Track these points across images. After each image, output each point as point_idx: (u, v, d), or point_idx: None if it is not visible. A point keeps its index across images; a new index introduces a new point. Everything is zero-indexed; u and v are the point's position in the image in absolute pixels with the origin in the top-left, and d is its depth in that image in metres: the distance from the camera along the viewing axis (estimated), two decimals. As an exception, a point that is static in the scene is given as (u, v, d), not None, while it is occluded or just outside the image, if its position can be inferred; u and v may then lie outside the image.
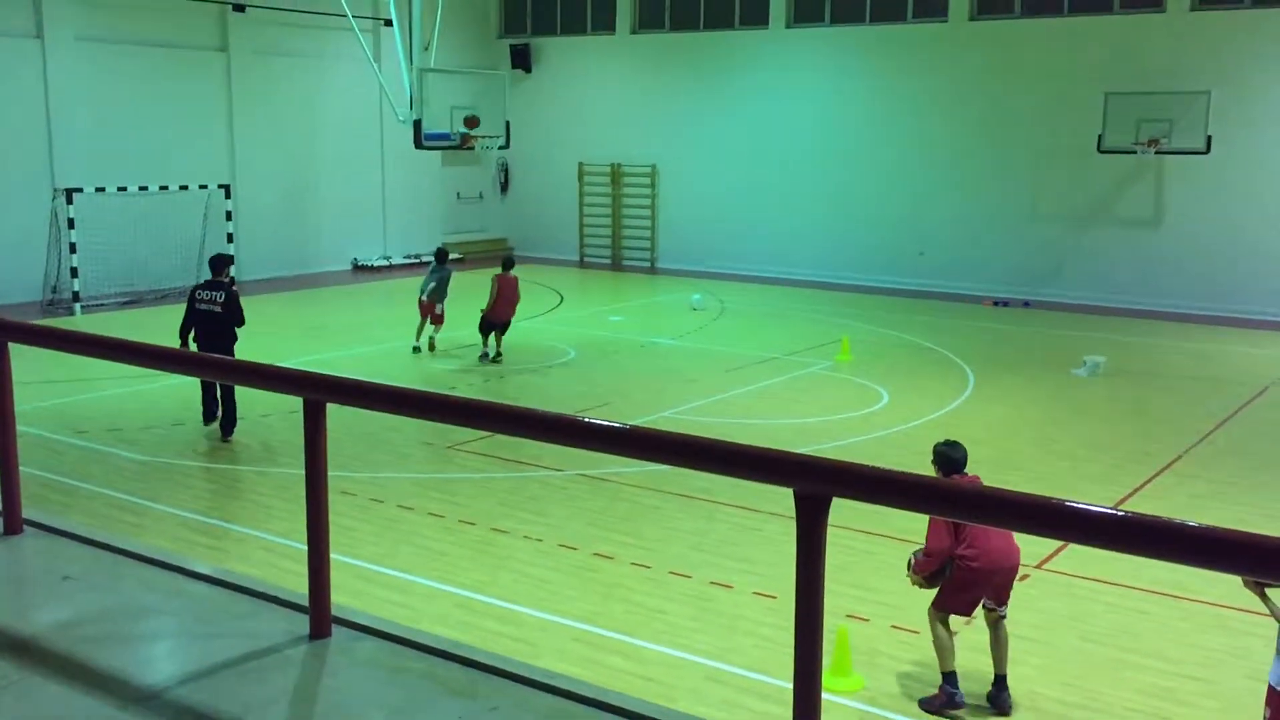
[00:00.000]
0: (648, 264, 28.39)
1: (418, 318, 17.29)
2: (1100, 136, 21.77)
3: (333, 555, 3.97)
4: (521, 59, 29.34)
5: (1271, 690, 5.49)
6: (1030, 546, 9.03)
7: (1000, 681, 6.82)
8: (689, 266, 27.13)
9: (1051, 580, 8.68)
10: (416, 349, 17.12)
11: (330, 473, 3.97)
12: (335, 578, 3.93)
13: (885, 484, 2.71)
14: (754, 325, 20.18)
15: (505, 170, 30.39)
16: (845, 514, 9.38)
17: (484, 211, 30.31)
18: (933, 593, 6.88)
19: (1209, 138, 20.87)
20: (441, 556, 9.12)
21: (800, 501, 2.62)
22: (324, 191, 26.24)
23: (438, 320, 17.14)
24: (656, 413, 13.65)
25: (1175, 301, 21.85)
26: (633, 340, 18.52)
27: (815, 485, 2.78)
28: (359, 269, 26.90)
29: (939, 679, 6.90)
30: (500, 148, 21.00)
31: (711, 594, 8.44)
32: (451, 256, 19.43)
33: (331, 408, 4.01)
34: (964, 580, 6.67)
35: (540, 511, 10.20)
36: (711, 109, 26.94)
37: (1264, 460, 12.12)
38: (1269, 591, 5.54)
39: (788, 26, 26.01)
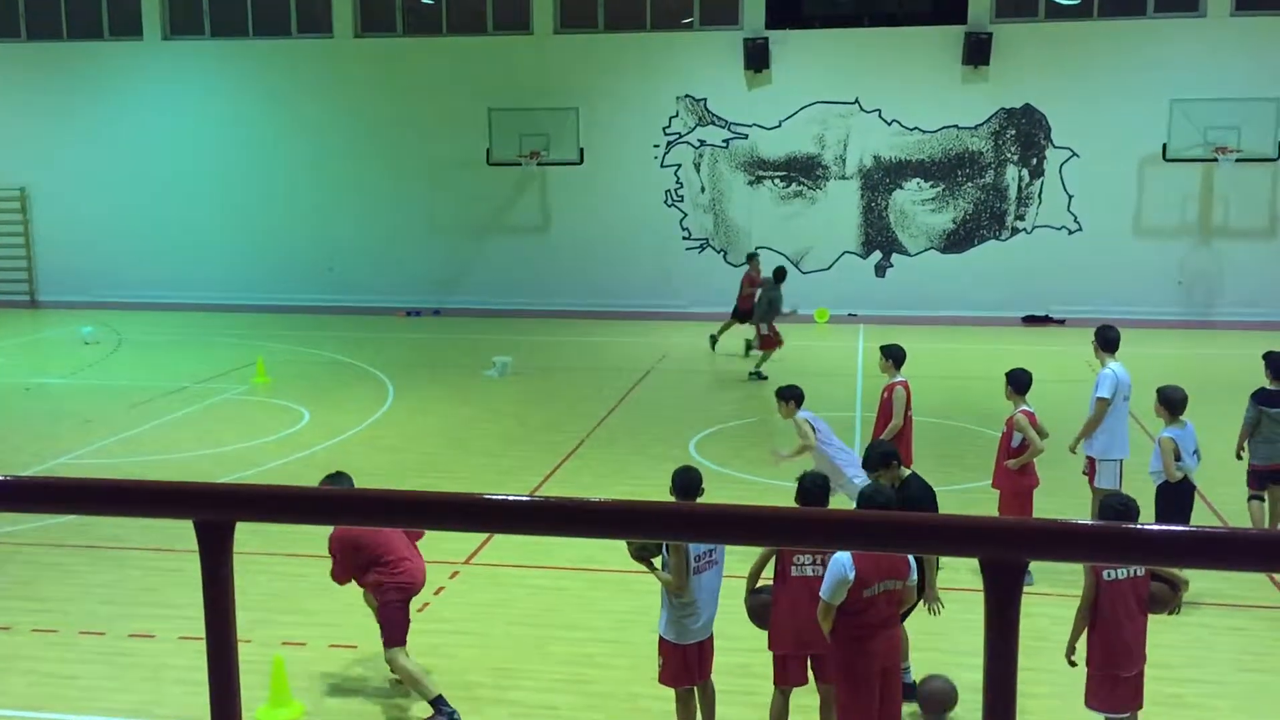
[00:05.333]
0: (26, 297, 25.51)
1: None
2: (489, 150, 23.07)
3: None
4: None
5: (661, 640, 6.27)
6: (456, 544, 9.41)
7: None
8: (78, 298, 24.76)
9: (479, 573, 9.09)
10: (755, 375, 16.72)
11: None
12: None
13: (285, 502, 2.67)
14: (158, 355, 18.92)
15: None
16: (276, 540, 9.13)
17: None
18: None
19: (581, 149, 22.95)
20: None
21: (200, 531, 2.51)
22: None
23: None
24: (51, 460, 12.34)
25: (566, 300, 23.73)
26: (13, 382, 16.58)
27: (214, 513, 2.67)
28: None
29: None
30: None
31: (130, 647, 7.82)
32: None
33: None
34: (402, 599, 6.73)
35: (-90, 591, 8.81)
36: (87, 127, 24.77)
37: (651, 435, 13.58)
38: (654, 560, 6.27)
39: (164, 39, 24.62)
